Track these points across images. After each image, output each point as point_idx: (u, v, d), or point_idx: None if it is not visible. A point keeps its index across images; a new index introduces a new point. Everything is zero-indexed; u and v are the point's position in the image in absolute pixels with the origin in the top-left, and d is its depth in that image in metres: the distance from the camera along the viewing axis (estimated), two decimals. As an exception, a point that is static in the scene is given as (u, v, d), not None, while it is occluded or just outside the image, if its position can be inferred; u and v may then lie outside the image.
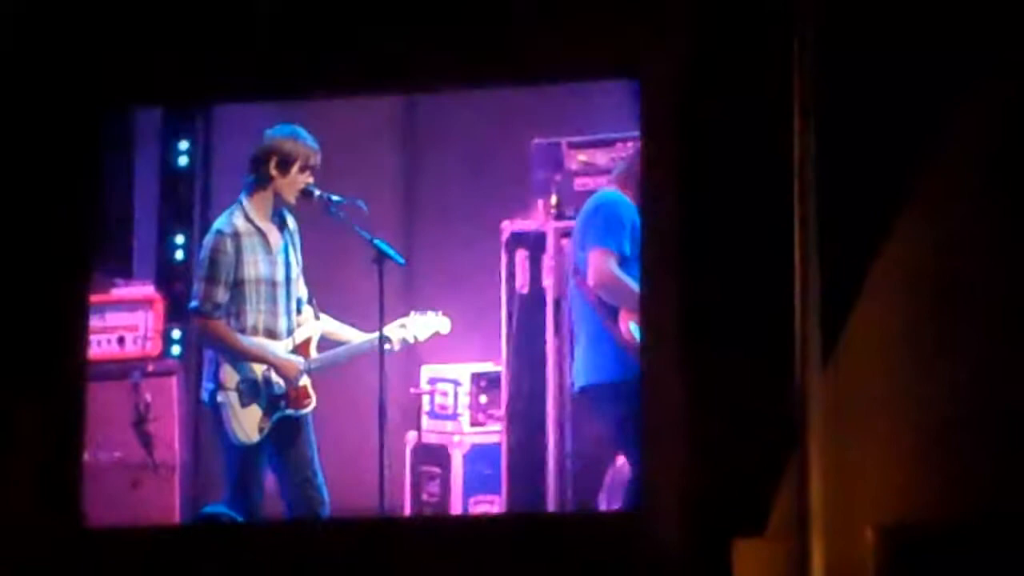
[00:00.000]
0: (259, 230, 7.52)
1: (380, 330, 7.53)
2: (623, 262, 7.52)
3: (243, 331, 7.55)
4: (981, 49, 5.93)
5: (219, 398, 7.58)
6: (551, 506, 7.97)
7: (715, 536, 5.93)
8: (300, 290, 7.70)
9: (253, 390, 7.59)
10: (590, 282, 7.59)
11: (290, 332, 7.63)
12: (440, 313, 7.91)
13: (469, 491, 8.46)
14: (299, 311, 7.69)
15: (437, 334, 7.90)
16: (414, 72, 6.70)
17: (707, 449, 6.08)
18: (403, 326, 7.75)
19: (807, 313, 5.80)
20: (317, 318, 7.72)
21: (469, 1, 6.53)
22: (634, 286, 7.36)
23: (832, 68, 5.89)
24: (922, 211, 5.95)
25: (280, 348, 7.64)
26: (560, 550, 6.26)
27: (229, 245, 7.48)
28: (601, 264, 7.53)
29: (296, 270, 7.64)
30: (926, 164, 5.95)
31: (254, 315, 7.55)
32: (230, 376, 7.58)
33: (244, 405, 7.56)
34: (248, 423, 7.57)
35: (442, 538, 6.50)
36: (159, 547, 6.54)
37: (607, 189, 7.74)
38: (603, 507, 7.80)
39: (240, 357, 7.60)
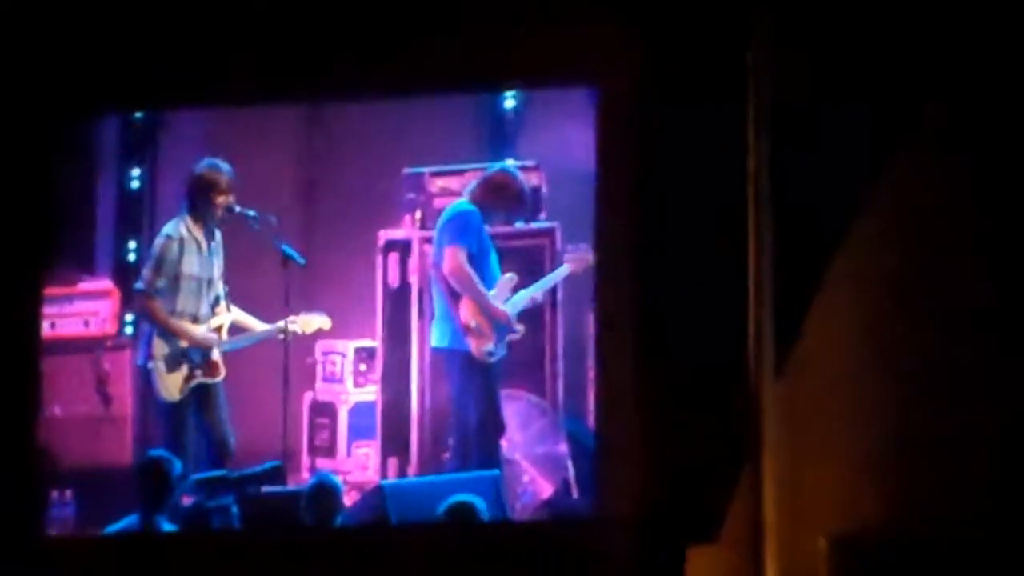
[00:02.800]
0: (194, 239, 8.47)
1: (286, 317, 8.48)
2: (471, 258, 8.47)
3: (172, 313, 8.45)
4: (932, 54, 5.89)
5: (149, 365, 8.46)
6: (414, 447, 8.88)
7: (669, 544, 5.86)
8: (219, 287, 8.58)
9: (176, 360, 8.44)
10: (444, 271, 8.48)
11: (208, 319, 8.58)
12: (323, 313, 8.72)
13: (352, 437, 9.39)
14: (217, 303, 8.59)
15: (320, 330, 8.75)
16: (376, 77, 6.79)
17: (661, 458, 5.97)
18: (294, 322, 8.58)
19: (761, 325, 5.76)
20: (229, 309, 8.61)
21: (427, 9, 6.58)
22: (476, 278, 8.44)
23: (786, 75, 5.91)
24: (877, 220, 5.81)
25: (200, 331, 8.51)
26: (516, 558, 6.27)
27: (175, 246, 8.43)
28: (454, 258, 8.46)
29: (218, 272, 8.56)
30: (880, 170, 5.82)
31: (183, 302, 8.47)
32: (159, 348, 8.45)
33: (169, 371, 8.44)
34: (171, 385, 8.44)
35: (397, 547, 6.58)
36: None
37: (461, 200, 8.68)
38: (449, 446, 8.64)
39: (168, 332, 8.43)
